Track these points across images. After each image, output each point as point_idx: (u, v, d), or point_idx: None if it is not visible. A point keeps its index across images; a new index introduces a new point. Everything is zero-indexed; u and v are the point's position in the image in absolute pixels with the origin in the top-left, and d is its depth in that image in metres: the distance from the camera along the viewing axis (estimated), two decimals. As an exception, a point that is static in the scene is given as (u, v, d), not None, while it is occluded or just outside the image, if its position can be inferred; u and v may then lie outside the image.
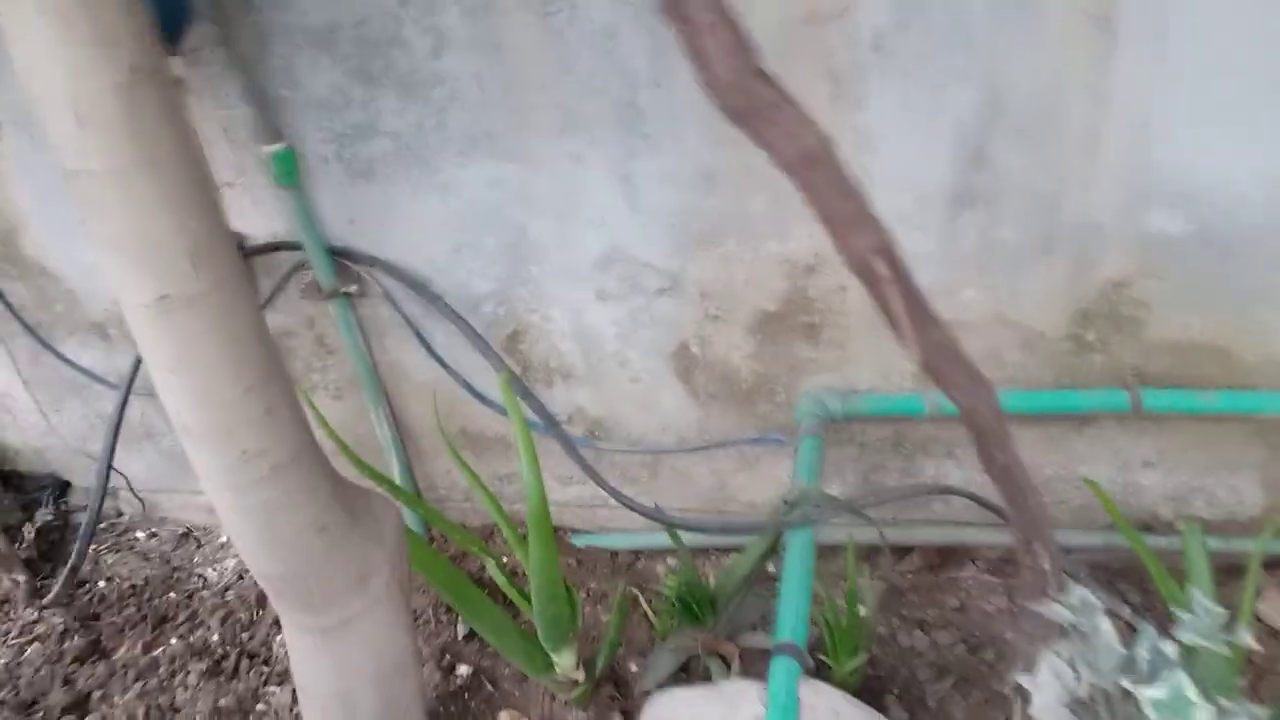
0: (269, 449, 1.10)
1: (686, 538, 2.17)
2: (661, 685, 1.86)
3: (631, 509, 1.78)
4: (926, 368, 1.36)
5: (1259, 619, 1.95)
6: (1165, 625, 1.94)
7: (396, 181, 1.89)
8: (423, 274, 2.00)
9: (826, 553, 2.16)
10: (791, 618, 1.53)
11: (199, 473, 1.14)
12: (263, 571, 1.19)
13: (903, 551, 2.17)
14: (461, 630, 2.07)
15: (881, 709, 1.88)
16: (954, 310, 1.86)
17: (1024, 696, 1.82)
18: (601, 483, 1.77)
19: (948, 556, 2.16)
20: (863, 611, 1.71)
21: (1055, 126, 1.65)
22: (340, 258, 1.98)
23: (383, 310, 2.07)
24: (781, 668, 1.46)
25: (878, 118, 1.68)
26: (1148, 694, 1.23)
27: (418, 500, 2.12)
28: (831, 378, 1.97)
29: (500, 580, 1.79)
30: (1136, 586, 2.06)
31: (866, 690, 1.88)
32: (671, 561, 2.18)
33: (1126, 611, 1.96)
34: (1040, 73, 1.61)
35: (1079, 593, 1.42)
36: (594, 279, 1.93)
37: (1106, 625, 1.36)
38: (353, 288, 2.00)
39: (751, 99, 1.00)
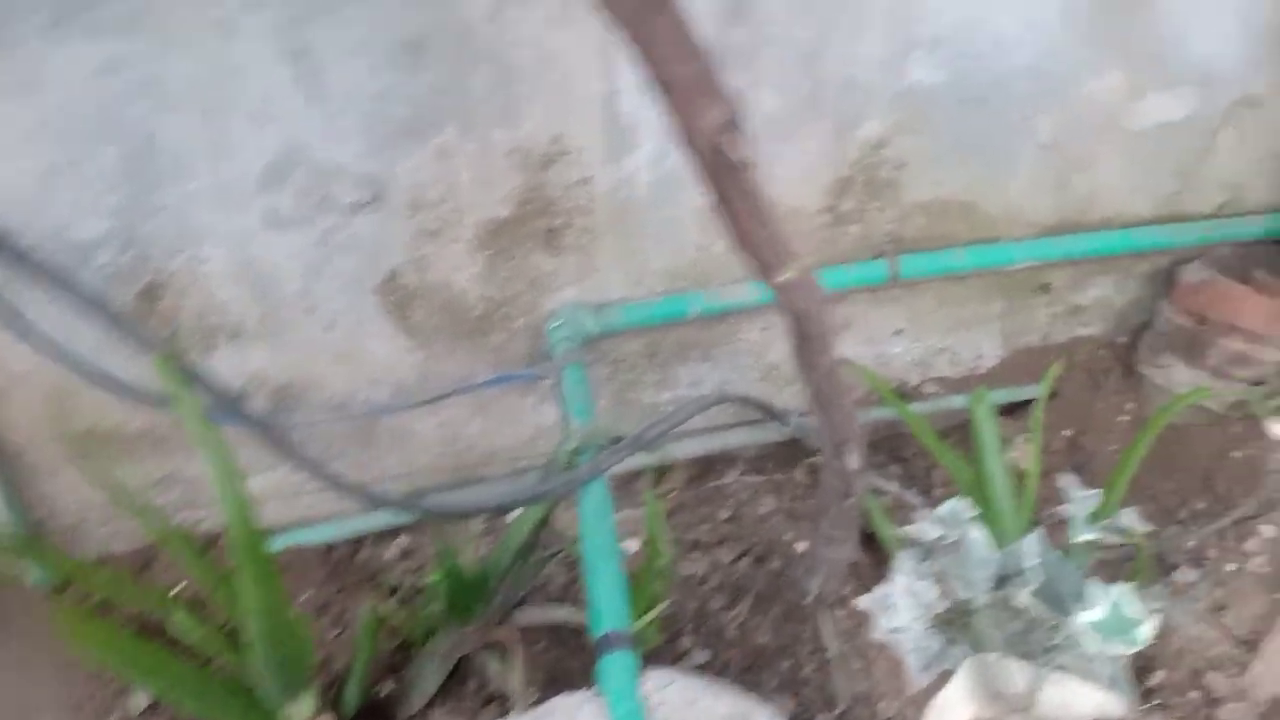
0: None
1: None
2: (432, 702, 1.58)
3: (372, 500, 1.44)
4: (764, 271, 1.18)
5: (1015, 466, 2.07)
6: (929, 494, 2.02)
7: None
8: (-4, 218, 1.46)
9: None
10: (609, 598, 1.31)
11: None
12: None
13: (661, 472, 2.03)
14: (140, 701, 1.63)
15: (679, 654, 1.75)
16: (702, 195, 1.69)
17: (828, 606, 1.79)
18: (315, 470, 1.40)
19: (708, 465, 2.05)
20: (663, 558, 1.55)
21: (824, -35, 1.51)
22: None
23: (-66, 278, 1.49)
24: (616, 666, 1.24)
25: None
26: (1085, 619, 1.20)
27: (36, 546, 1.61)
28: (577, 291, 1.74)
29: (194, 636, 1.38)
30: (892, 458, 2.09)
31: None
32: (404, 541, 1.87)
33: (894, 486, 1.98)
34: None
35: (948, 505, 1.37)
36: (263, 197, 1.51)
37: (978, 534, 1.31)
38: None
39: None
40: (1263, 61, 1.80)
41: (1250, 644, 1.72)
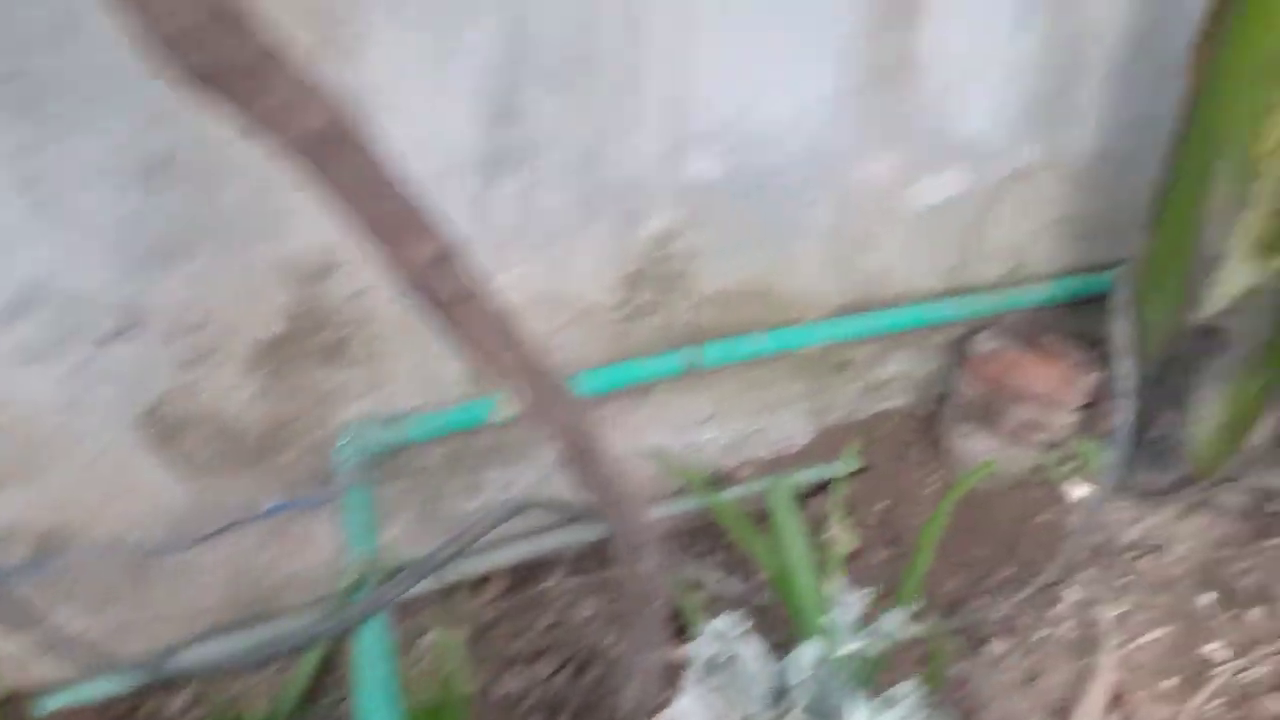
0: None
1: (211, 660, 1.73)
2: None
3: (104, 665, 1.31)
4: (511, 394, 1.12)
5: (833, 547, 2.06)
6: (751, 578, 1.99)
7: None
8: None
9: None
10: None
11: None
12: None
13: (479, 582, 1.94)
14: None
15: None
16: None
17: (644, 717, 1.73)
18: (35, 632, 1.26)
19: (529, 571, 1.98)
20: (461, 692, 1.46)
21: (592, 67, 1.50)
22: None
23: None
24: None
25: (381, 68, 1.38)
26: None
27: None
28: (369, 403, 1.65)
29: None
30: (715, 544, 2.06)
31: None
32: (196, 687, 1.72)
33: (714, 578, 1.95)
34: (569, 1, 1.44)
35: (715, 624, 1.32)
36: (8, 333, 1.38)
37: (750, 652, 1.27)
38: None
39: (222, 55, 0.66)
40: (1028, 137, 1.89)
41: (1062, 712, 1.74)
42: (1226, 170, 1.65)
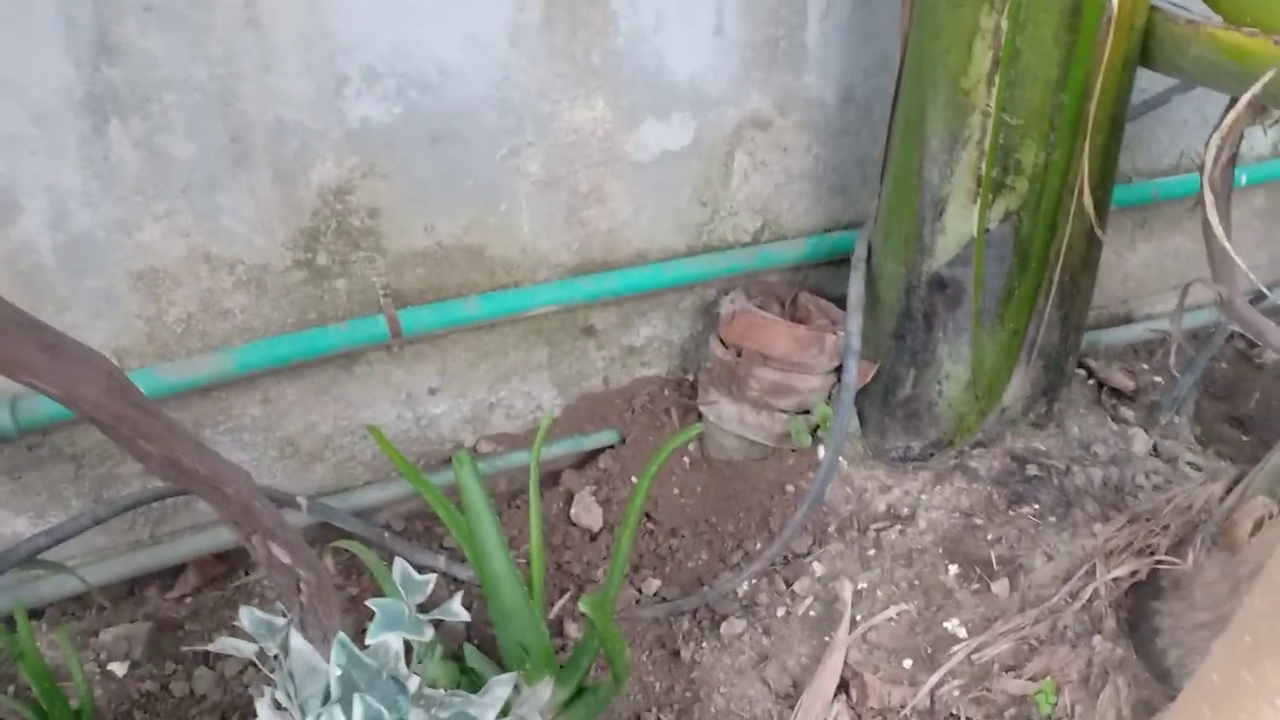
0: None
1: None
2: None
3: None
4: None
5: (574, 523, 1.89)
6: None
7: None
8: None
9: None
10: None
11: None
12: None
13: (175, 572, 1.75)
14: None
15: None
16: (136, 257, 1.45)
17: None
18: None
19: (235, 561, 1.79)
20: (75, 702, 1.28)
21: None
22: None
23: None
24: None
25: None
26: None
27: None
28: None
29: None
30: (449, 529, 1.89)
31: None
32: None
33: (442, 560, 1.77)
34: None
35: (250, 615, 1.15)
36: None
37: (301, 644, 1.10)
38: None
39: None
40: (754, 82, 1.71)
41: (792, 698, 1.59)
42: (938, 106, 1.49)
